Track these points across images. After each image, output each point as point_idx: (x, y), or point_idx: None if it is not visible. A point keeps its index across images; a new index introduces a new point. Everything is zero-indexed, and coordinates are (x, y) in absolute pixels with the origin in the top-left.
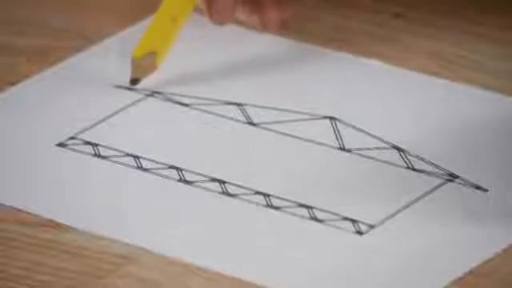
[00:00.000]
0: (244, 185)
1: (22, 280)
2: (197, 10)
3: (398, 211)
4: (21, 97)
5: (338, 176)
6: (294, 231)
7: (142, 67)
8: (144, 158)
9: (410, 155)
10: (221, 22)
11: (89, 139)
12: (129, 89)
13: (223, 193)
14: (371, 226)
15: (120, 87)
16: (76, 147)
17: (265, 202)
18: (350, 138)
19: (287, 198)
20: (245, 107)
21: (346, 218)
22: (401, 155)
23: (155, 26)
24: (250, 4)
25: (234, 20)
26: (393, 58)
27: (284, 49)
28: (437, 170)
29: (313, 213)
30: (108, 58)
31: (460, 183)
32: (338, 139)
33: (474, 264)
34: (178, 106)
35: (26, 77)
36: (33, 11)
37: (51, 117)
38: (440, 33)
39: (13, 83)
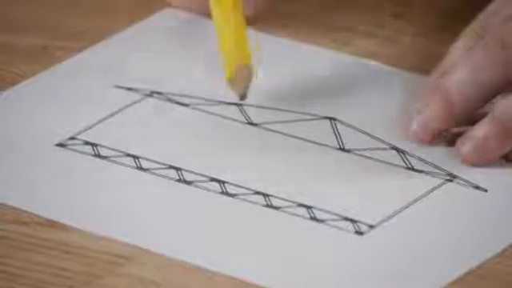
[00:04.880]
0: (243, 185)
1: (21, 280)
2: (196, 10)
3: (398, 211)
4: (21, 97)
5: (337, 176)
6: (294, 231)
7: (240, 82)
8: (143, 158)
9: (409, 155)
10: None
11: (88, 139)
12: (128, 89)
13: (223, 193)
14: (371, 226)
15: (120, 87)
16: (76, 147)
17: (264, 202)
18: (350, 139)
19: (287, 198)
20: (244, 107)
21: (345, 218)
22: (400, 155)
23: (225, 42)
24: None
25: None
26: (393, 58)
27: (284, 49)
28: (436, 170)
29: (313, 213)
30: (108, 58)
31: (459, 183)
32: (337, 139)
33: (473, 264)
34: (177, 106)
35: (26, 77)
36: (33, 11)
37: (51, 117)
38: (440, 33)
39: (13, 83)
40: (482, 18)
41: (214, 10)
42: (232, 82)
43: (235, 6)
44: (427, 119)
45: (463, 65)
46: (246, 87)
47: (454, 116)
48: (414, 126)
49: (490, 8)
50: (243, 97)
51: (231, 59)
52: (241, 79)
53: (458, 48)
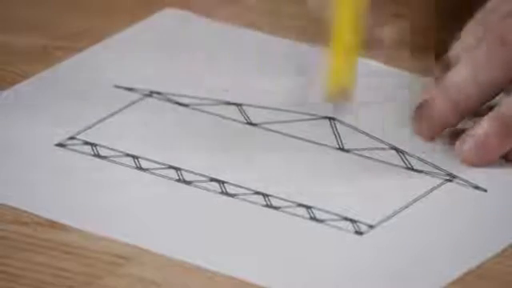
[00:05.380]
0: (243, 185)
1: (21, 280)
2: (194, 9)
3: (398, 211)
4: (21, 97)
5: (337, 176)
6: (294, 231)
7: (337, 101)
8: (143, 158)
9: (409, 155)
10: None
11: (88, 139)
12: (128, 89)
13: (222, 193)
14: (371, 226)
15: (119, 87)
16: (75, 147)
17: (264, 202)
18: (350, 139)
19: (287, 198)
20: (244, 107)
21: (345, 218)
22: (400, 155)
23: (334, 57)
24: None
25: None
26: (392, 59)
27: (284, 49)
28: (436, 170)
29: (312, 213)
30: (108, 58)
31: (459, 183)
32: (337, 139)
33: (473, 264)
34: (177, 106)
35: (26, 77)
36: (33, 11)
37: (50, 117)
38: (440, 33)
39: (13, 83)
40: (480, 15)
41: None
42: (330, 97)
43: (352, 24)
44: (432, 118)
45: (464, 63)
46: (342, 105)
47: (458, 114)
48: (420, 124)
49: (489, 4)
50: (339, 112)
51: (335, 79)
52: (339, 100)
53: (459, 46)
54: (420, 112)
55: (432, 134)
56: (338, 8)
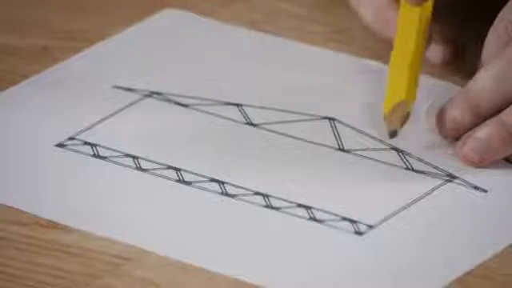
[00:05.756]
0: (243, 185)
1: (21, 280)
2: (194, 9)
3: (397, 212)
4: (21, 97)
5: (337, 177)
6: (294, 231)
7: (395, 118)
8: (143, 159)
9: (409, 156)
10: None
11: (88, 140)
12: (128, 89)
13: (222, 193)
14: (370, 227)
15: (119, 88)
16: (75, 147)
17: (264, 203)
18: (349, 139)
19: (286, 198)
20: (244, 107)
21: (345, 219)
22: (400, 156)
23: (394, 76)
24: None
25: None
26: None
27: (284, 49)
28: (436, 171)
29: (312, 213)
30: (108, 58)
31: (459, 184)
32: (337, 140)
33: (473, 264)
34: (176, 106)
35: (26, 77)
36: (33, 11)
37: (50, 117)
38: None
39: (13, 83)
40: (503, 16)
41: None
42: (388, 117)
43: (418, 43)
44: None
45: (484, 71)
46: (399, 126)
47: (477, 119)
48: (441, 127)
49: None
50: (394, 134)
51: (392, 95)
52: (396, 118)
53: (486, 53)
54: (441, 115)
55: (452, 136)
56: (402, 22)
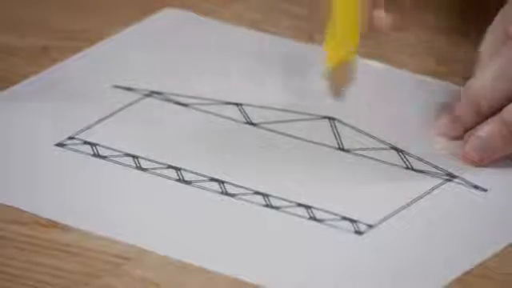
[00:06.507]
0: (243, 185)
1: (21, 280)
2: (194, 9)
3: (397, 211)
4: (20, 97)
5: (337, 176)
6: (294, 231)
7: (338, 78)
8: (143, 158)
9: (409, 155)
10: None
11: (88, 139)
12: (128, 89)
13: (222, 193)
14: (370, 226)
15: (119, 87)
16: (75, 147)
17: (264, 202)
18: (349, 138)
19: (286, 197)
20: (244, 107)
21: (345, 218)
22: (400, 155)
23: (336, 34)
24: None
25: None
26: (392, 59)
27: (284, 49)
28: (436, 170)
29: (312, 213)
30: (107, 58)
31: (459, 183)
32: (336, 139)
33: (473, 263)
34: (176, 106)
35: (26, 77)
36: (33, 11)
37: (50, 117)
38: (440, 33)
39: (13, 83)
40: (501, 18)
41: None
42: (330, 76)
43: None
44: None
45: (484, 70)
46: (345, 84)
47: (478, 117)
48: (444, 125)
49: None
50: (339, 95)
51: (334, 51)
52: (340, 75)
53: (484, 52)
54: (442, 115)
55: (454, 134)
56: None
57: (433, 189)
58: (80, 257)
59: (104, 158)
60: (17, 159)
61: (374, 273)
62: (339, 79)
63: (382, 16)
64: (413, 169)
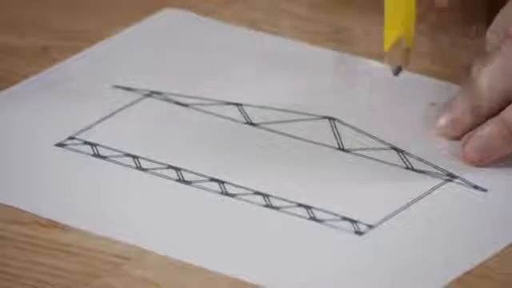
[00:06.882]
0: (243, 185)
1: (21, 280)
2: (194, 9)
3: (397, 211)
4: (21, 97)
5: (337, 176)
6: (294, 231)
7: (396, 56)
8: (143, 158)
9: (409, 156)
10: None
11: (88, 139)
12: (128, 89)
13: (222, 193)
14: (370, 226)
15: (119, 87)
16: (75, 147)
17: (264, 202)
18: (349, 139)
19: (286, 198)
20: (244, 107)
21: (345, 218)
22: (400, 155)
23: (391, 12)
24: None
25: None
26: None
27: (284, 49)
28: (436, 171)
29: (312, 213)
30: (107, 58)
31: (459, 183)
32: (337, 139)
33: (473, 264)
34: (176, 106)
35: (26, 77)
36: (33, 11)
37: (50, 117)
38: (440, 33)
39: (13, 83)
40: (501, 17)
41: None
42: (388, 54)
43: None
44: (454, 120)
45: (482, 71)
46: (402, 62)
47: (477, 118)
48: (443, 125)
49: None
50: (397, 71)
51: (389, 31)
52: (397, 54)
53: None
54: (442, 115)
55: (454, 134)
56: None
57: (433, 189)
58: (80, 257)
59: (104, 158)
60: (17, 159)
61: (374, 273)
62: (396, 58)
63: None
64: (413, 169)
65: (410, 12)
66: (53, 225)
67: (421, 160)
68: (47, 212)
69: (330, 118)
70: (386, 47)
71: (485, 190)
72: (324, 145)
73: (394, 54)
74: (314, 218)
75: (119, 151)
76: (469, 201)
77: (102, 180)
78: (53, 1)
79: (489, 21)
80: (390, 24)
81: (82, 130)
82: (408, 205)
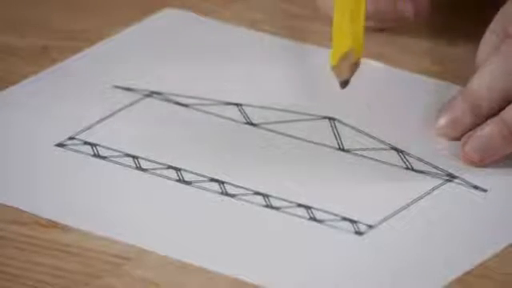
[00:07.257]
0: (243, 185)
1: (20, 280)
2: (194, 9)
3: (397, 211)
4: (21, 97)
5: (337, 176)
6: (294, 231)
7: (344, 69)
8: (143, 159)
9: (409, 156)
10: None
11: (88, 139)
12: (128, 89)
13: (222, 193)
14: (370, 227)
15: (119, 87)
16: (75, 147)
17: (264, 203)
18: (349, 139)
19: (286, 198)
20: (244, 107)
21: (345, 219)
22: (400, 156)
23: (338, 25)
24: None
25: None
26: (392, 59)
27: (284, 49)
28: (436, 171)
29: (312, 213)
30: (107, 58)
31: (459, 183)
32: (336, 139)
33: (473, 264)
34: (176, 106)
35: (26, 77)
36: (33, 11)
37: (50, 117)
38: (440, 33)
39: (13, 83)
40: (500, 17)
41: None
42: (335, 68)
43: None
44: (454, 120)
45: (482, 71)
46: (349, 75)
47: (477, 118)
48: (443, 126)
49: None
50: (344, 84)
51: (338, 45)
52: (345, 67)
53: (484, 51)
54: (442, 116)
55: (454, 135)
56: None
57: (433, 189)
58: (80, 257)
59: (104, 158)
60: (17, 159)
61: (374, 273)
62: (344, 72)
63: (403, 6)
64: (413, 169)
65: (359, 23)
66: (53, 225)
67: (421, 160)
68: (47, 212)
69: (329, 118)
70: (333, 61)
71: (485, 191)
72: (324, 145)
73: (342, 67)
74: (313, 219)
75: (119, 151)
76: (469, 201)
77: (102, 180)
78: (53, 1)
79: (488, 20)
80: (338, 37)
81: (82, 130)
82: (408, 205)
